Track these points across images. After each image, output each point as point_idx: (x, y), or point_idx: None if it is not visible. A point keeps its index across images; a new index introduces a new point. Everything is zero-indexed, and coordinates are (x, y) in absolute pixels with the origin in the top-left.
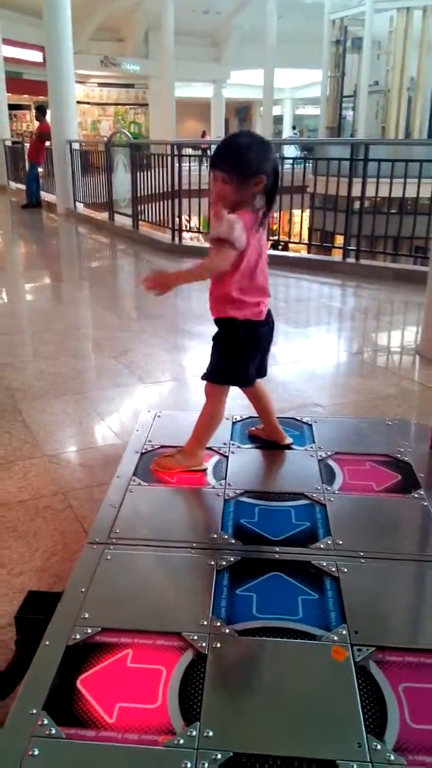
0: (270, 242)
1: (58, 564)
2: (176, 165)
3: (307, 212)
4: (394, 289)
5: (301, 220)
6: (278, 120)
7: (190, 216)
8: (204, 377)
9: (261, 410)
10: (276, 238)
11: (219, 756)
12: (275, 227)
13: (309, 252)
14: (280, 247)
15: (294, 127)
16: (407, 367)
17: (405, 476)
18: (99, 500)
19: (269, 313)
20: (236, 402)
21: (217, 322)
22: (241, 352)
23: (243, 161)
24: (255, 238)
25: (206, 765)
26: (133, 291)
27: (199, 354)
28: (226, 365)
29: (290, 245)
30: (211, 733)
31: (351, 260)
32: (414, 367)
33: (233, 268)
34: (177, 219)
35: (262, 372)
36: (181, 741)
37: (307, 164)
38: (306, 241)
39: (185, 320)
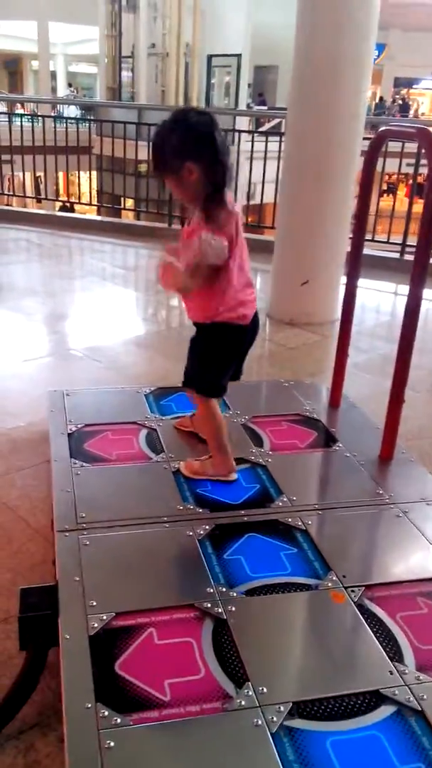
0: (59, 203)
1: (10, 558)
2: None
3: (91, 173)
4: None
5: (90, 180)
6: (51, 76)
7: None
8: (188, 385)
9: None
10: (64, 200)
11: (281, 708)
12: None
13: (99, 214)
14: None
15: (70, 85)
16: (263, 329)
17: (320, 432)
18: (24, 486)
19: (255, 314)
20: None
21: (204, 326)
22: (225, 359)
23: (163, 157)
24: (236, 232)
25: (274, 718)
26: None
27: (56, 327)
28: (208, 373)
29: (76, 207)
30: (265, 690)
31: (177, 226)
32: (269, 329)
33: (225, 268)
34: None
35: (238, 374)
36: (243, 702)
37: (91, 125)
38: (96, 203)
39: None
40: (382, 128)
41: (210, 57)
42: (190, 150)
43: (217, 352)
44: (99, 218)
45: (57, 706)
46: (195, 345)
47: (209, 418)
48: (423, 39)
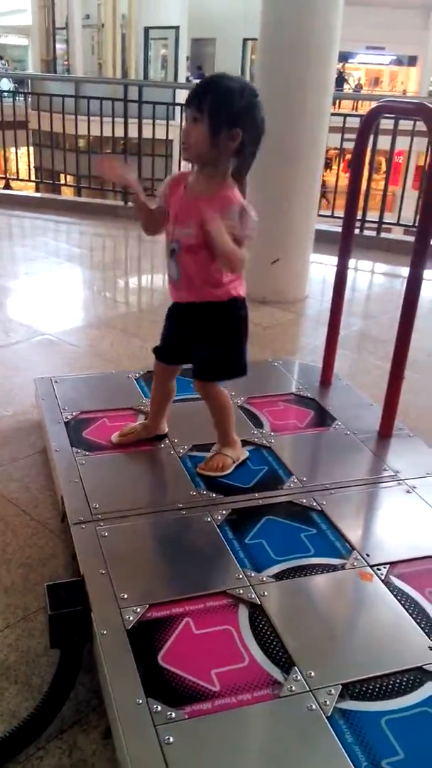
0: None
1: (19, 553)
2: None
3: (26, 149)
4: None
5: (27, 156)
6: None
7: None
8: (207, 377)
9: (164, 396)
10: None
11: (332, 690)
12: None
13: (38, 191)
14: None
15: (1, 58)
16: None
17: (316, 411)
18: (22, 478)
19: None
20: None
21: (211, 306)
22: (244, 337)
23: (224, 104)
24: None
25: (327, 701)
26: None
27: (23, 311)
28: (231, 358)
29: (12, 183)
30: (312, 673)
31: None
32: None
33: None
34: None
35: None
36: (293, 687)
37: (27, 99)
38: (34, 179)
39: None
40: (377, 103)
41: (147, 29)
42: (250, 121)
43: (238, 332)
44: (52, 196)
45: (93, 703)
46: (213, 330)
47: (221, 406)
48: (355, 13)
